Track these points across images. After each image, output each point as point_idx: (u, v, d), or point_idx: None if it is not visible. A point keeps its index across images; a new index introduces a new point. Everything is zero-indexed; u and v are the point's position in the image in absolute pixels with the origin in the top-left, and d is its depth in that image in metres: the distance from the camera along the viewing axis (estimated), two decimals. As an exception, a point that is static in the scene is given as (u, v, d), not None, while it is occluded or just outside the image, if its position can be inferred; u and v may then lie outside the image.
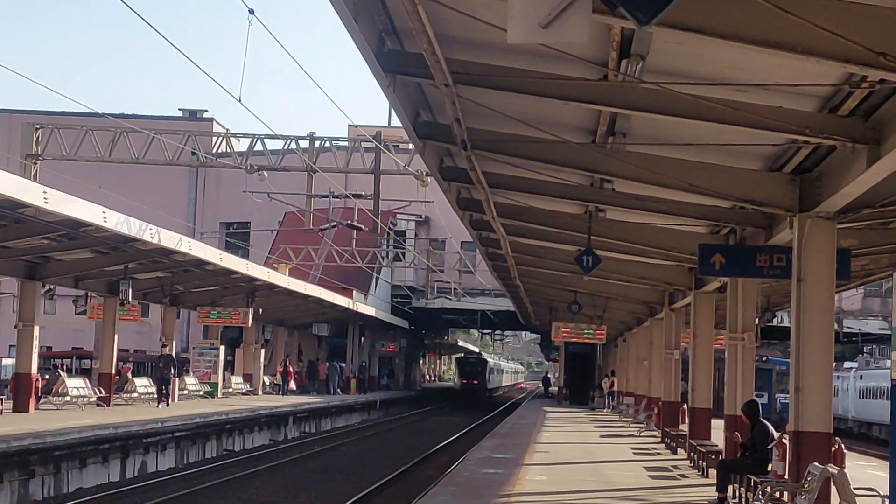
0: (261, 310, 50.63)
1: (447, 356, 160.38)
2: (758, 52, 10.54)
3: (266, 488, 28.19)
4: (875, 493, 15.03)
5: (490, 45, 13.35)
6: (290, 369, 61.58)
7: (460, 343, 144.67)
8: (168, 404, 40.97)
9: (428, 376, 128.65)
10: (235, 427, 38.83)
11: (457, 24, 12.71)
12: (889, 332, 13.34)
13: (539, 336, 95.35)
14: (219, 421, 37.06)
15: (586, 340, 52.97)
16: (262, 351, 59.34)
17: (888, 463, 13.55)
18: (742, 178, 17.93)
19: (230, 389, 53.09)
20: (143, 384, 45.28)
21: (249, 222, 76.42)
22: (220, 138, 52.97)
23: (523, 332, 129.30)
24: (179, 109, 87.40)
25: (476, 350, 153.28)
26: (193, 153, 48.34)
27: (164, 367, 41.92)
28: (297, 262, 59.02)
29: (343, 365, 68.30)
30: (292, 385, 60.54)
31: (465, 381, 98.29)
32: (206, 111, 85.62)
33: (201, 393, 48.87)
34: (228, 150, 51.36)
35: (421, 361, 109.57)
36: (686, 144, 17.01)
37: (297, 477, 30.89)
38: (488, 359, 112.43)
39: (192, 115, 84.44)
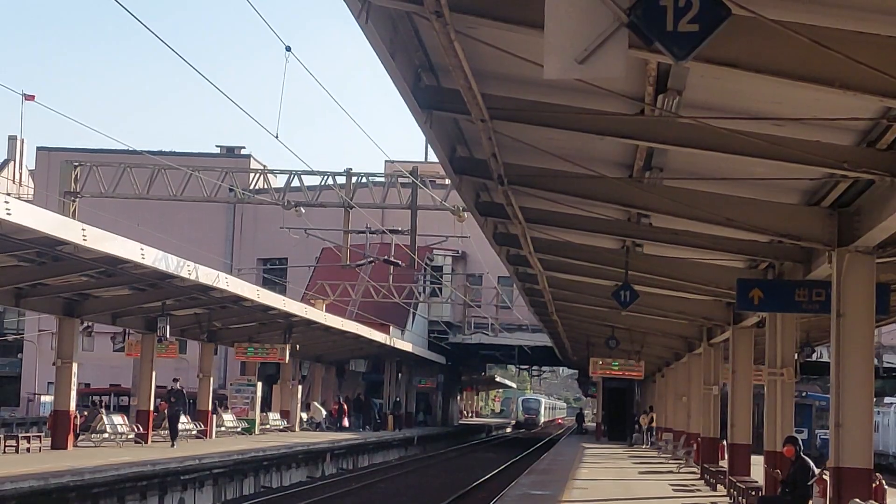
0: (298, 346, 50.68)
1: (485, 392, 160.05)
2: (795, 87, 10.52)
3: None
4: (917, 530, 14.89)
5: (526, 80, 13.38)
6: (345, 406, 61.84)
7: (497, 379, 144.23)
8: (175, 444, 38.41)
9: (465, 412, 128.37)
10: (273, 464, 38.80)
11: (493, 60, 12.75)
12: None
13: (577, 371, 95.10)
14: (256, 457, 37.06)
15: (624, 376, 52.78)
16: (300, 387, 59.40)
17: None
18: (780, 213, 17.85)
19: (267, 426, 53.11)
20: (182, 421, 45.32)
21: (286, 258, 76.67)
22: (258, 175, 53.23)
23: (560, 368, 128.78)
24: (217, 146, 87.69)
25: (513, 385, 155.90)
26: (231, 190, 48.59)
27: (175, 403, 39.73)
28: (335, 297, 59.12)
29: (381, 401, 68.33)
30: (346, 422, 60.85)
31: (527, 416, 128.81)
32: (244, 148, 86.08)
33: (239, 430, 48.93)
34: (265, 187, 51.63)
35: (458, 397, 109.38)
36: (723, 179, 16.98)
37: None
38: (542, 398, 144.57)
39: (230, 151, 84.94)
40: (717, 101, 13.52)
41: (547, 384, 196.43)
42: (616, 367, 49.61)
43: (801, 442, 19.54)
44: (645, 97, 12.99)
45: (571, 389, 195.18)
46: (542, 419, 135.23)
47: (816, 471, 18.44)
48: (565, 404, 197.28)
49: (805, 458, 18.91)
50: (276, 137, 27.18)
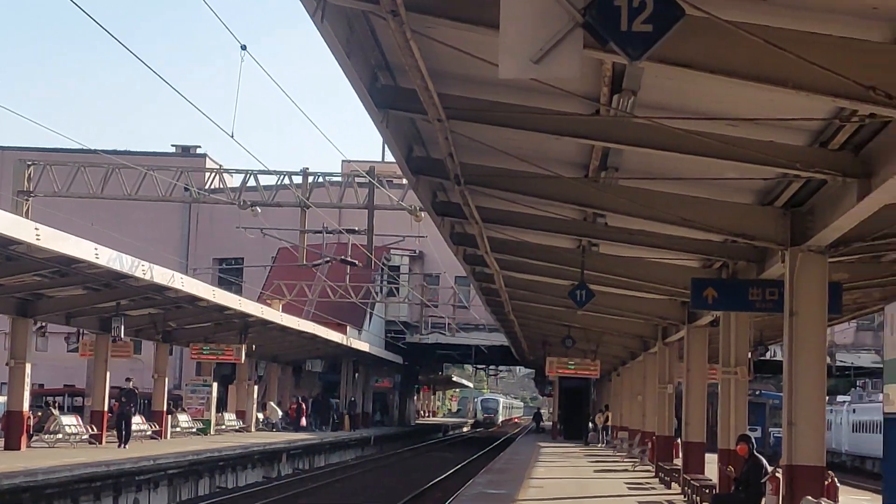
0: (254, 346, 50.54)
1: (441, 391, 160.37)
2: (749, 87, 10.60)
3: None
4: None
5: (483, 80, 13.41)
6: (303, 406, 61.80)
7: (454, 378, 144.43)
8: (125, 445, 37.84)
9: (422, 412, 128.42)
10: (228, 464, 38.67)
11: (449, 60, 12.77)
12: (881, 366, 13.37)
13: (533, 371, 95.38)
14: (211, 458, 36.91)
15: (580, 375, 52.95)
16: (256, 388, 59.23)
17: (881, 497, 13.56)
18: (734, 212, 17.99)
19: (223, 426, 52.93)
20: (136, 421, 45.10)
21: (243, 258, 76.42)
22: (213, 174, 53.01)
23: (517, 367, 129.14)
24: (172, 145, 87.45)
25: (470, 385, 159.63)
26: (186, 189, 48.41)
27: (126, 403, 39.05)
28: (291, 297, 58.99)
29: (338, 401, 68.29)
30: (304, 422, 60.83)
31: (486, 416, 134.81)
32: (199, 147, 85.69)
33: (194, 430, 48.73)
34: (221, 186, 51.41)
35: (415, 397, 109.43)
36: (678, 179, 17.07)
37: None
38: (500, 398, 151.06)
39: (185, 151, 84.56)
40: (671, 101, 13.60)
41: (504, 383, 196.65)
42: (572, 367, 49.77)
43: (753, 440, 19.67)
44: (600, 97, 13.05)
45: (528, 389, 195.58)
46: (501, 418, 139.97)
47: (769, 469, 18.57)
48: (522, 404, 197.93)
49: (758, 457, 19.05)
50: (232, 137, 27.15)
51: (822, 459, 16.71)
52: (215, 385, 51.85)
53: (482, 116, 14.60)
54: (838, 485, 18.00)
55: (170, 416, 46.73)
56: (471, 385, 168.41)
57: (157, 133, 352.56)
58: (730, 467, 20.74)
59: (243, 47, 22.73)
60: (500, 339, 64.90)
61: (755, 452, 19.13)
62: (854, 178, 13.73)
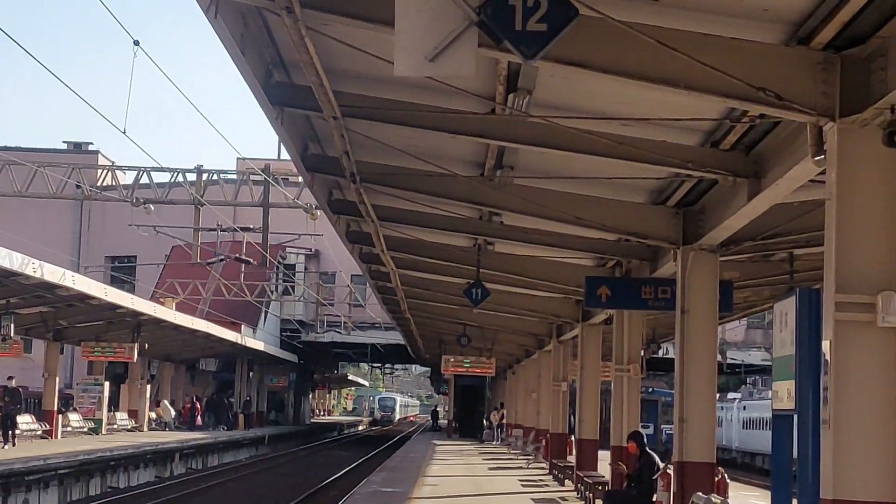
0: (147, 345, 49.97)
1: (337, 390, 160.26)
2: (642, 87, 10.71)
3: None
4: (758, 522, 15.28)
5: (379, 78, 13.39)
6: (198, 405, 61.30)
7: (350, 377, 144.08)
8: (14, 443, 37.31)
9: (317, 410, 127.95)
10: (120, 464, 38.21)
11: (345, 57, 12.74)
12: (770, 363, 13.58)
13: (429, 369, 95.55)
14: (103, 458, 36.45)
15: (476, 373, 53.14)
16: (148, 387, 58.58)
17: (769, 493, 13.77)
18: (627, 212, 18.17)
19: (115, 426, 52.27)
20: (26, 420, 44.38)
21: (135, 256, 75.46)
22: (106, 171, 52.42)
23: (413, 366, 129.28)
24: (64, 142, 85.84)
25: (366, 383, 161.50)
26: (78, 186, 47.75)
27: (10, 403, 38.22)
28: (185, 296, 58.39)
29: (232, 400, 67.84)
30: (199, 421, 60.45)
31: (383, 414, 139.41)
32: (91, 143, 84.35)
33: (85, 430, 48.05)
34: (114, 183, 50.82)
35: (310, 396, 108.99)
36: (573, 178, 17.20)
37: (184, 513, 30.49)
38: (397, 397, 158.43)
39: (77, 147, 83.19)
40: (566, 100, 13.69)
41: (400, 382, 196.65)
42: (468, 365, 49.94)
43: (644, 436, 19.85)
44: (496, 96, 13.10)
45: (424, 387, 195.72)
46: (398, 416, 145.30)
47: (661, 465, 18.79)
48: (418, 402, 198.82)
49: (650, 453, 19.23)
50: (124, 133, 26.75)
51: (713, 456, 16.96)
52: (107, 384, 51.14)
53: (378, 114, 14.58)
54: (728, 481, 18.28)
55: (60, 416, 46.00)
56: (367, 384, 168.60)
57: (47, 129, 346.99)
58: (621, 464, 20.93)
59: (136, 42, 22.42)
60: (396, 337, 64.86)
61: (647, 449, 19.32)
62: (744, 178, 13.94)
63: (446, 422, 79.28)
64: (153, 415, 58.40)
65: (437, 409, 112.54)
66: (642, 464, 18.98)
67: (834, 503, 9.94)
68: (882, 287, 9.98)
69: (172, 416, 60.11)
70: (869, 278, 10.02)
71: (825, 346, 10.22)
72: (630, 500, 19.06)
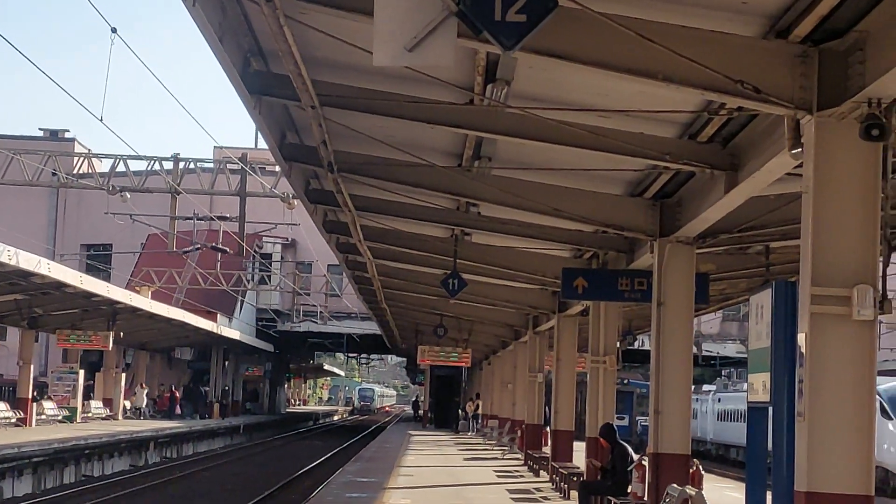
0: (122, 333, 49.86)
1: (313, 380, 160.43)
2: (620, 79, 10.72)
3: (126, 514, 27.70)
4: (732, 514, 15.34)
5: (357, 67, 13.36)
6: (177, 394, 61.32)
7: (326, 367, 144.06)
8: None
9: (293, 400, 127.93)
10: (95, 452, 38.12)
11: (324, 46, 12.70)
12: (746, 356, 13.63)
13: (405, 359, 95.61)
14: (77, 446, 36.35)
15: (452, 363, 53.14)
16: (123, 375, 58.44)
17: (744, 485, 13.82)
18: (605, 203, 18.19)
19: (90, 414, 52.14)
20: (0, 408, 44.26)
21: (111, 244, 75.25)
22: (82, 159, 52.16)
23: (389, 356, 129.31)
24: (40, 129, 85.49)
25: (342, 373, 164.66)
26: (54, 174, 47.54)
27: None
28: (161, 285, 58.24)
29: (207, 389, 67.78)
30: (178, 410, 60.56)
31: (363, 404, 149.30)
32: (68, 131, 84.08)
33: (60, 418, 47.92)
34: (90, 171, 50.61)
35: (286, 385, 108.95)
36: (550, 169, 17.20)
37: (158, 503, 30.42)
38: (376, 388, 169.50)
39: (53, 134, 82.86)
40: (545, 91, 13.69)
41: (376, 372, 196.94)
42: (444, 355, 49.92)
43: (615, 429, 19.85)
44: (474, 87, 13.09)
45: (400, 377, 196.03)
46: (376, 405, 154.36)
47: (635, 457, 18.84)
48: (395, 392, 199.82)
49: (622, 444, 19.28)
50: (101, 121, 26.63)
51: (688, 447, 17.01)
52: (82, 372, 51.04)
53: (356, 104, 14.55)
54: (703, 472, 18.30)
55: (35, 404, 45.87)
56: (342, 374, 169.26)
57: (23, 116, 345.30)
58: (594, 460, 20.96)
59: (114, 30, 22.34)
60: (372, 327, 64.84)
61: (619, 441, 19.36)
62: (722, 171, 13.97)
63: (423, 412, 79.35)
64: (128, 403, 58.30)
65: (419, 399, 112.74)
66: (615, 456, 19.04)
67: (808, 495, 9.98)
68: (857, 280, 10.02)
69: (144, 403, 59.98)
70: (844, 271, 10.06)
71: (800, 338, 10.26)
72: (605, 491, 19.12)
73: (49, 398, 49.44)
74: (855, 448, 10.00)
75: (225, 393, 69.54)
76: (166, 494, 32.62)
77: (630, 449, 19.27)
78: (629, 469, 18.54)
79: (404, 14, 7.54)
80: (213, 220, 48.96)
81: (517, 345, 41.92)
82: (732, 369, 70.60)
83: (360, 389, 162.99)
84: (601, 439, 19.81)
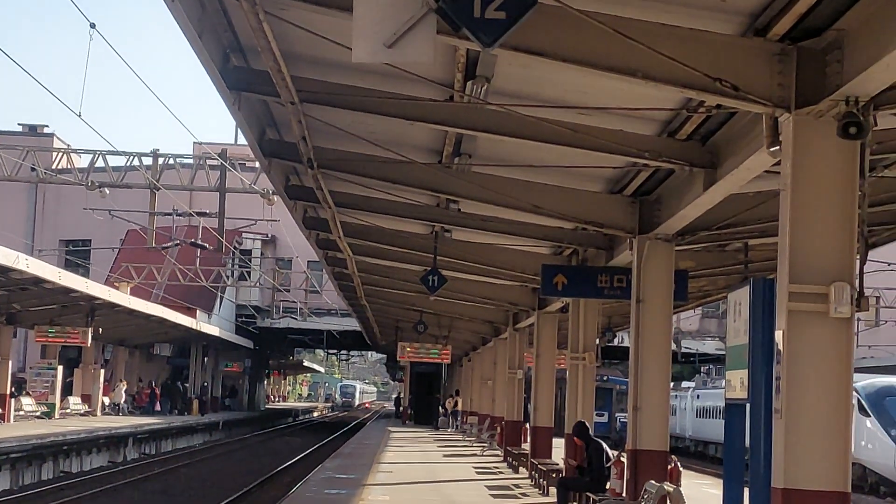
0: (101, 329, 49.69)
1: (292, 376, 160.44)
2: (599, 77, 10.74)
3: (104, 510, 27.64)
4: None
5: (337, 63, 13.36)
6: (157, 391, 61.22)
7: (306, 363, 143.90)
8: None
9: (272, 396, 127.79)
10: (73, 448, 38.00)
11: (303, 42, 12.70)
12: (724, 353, 13.69)
13: (385, 356, 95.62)
14: (56, 442, 36.24)
15: (432, 360, 53.19)
16: (102, 371, 58.27)
17: (722, 481, 13.87)
18: (584, 200, 18.23)
19: (68, 410, 51.97)
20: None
21: (90, 240, 74.99)
22: (61, 154, 51.97)
23: (369, 352, 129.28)
24: (19, 124, 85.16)
25: (321, 370, 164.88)
26: (33, 169, 47.31)
27: None
28: (140, 280, 58.09)
29: (186, 385, 67.69)
30: (158, 406, 60.55)
31: (344, 399, 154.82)
32: (47, 126, 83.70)
33: (38, 414, 47.75)
34: (69, 167, 50.37)
35: (265, 382, 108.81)
36: (530, 166, 17.23)
37: (136, 499, 30.37)
38: (357, 384, 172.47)
39: (32, 129, 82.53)
40: (524, 89, 13.71)
41: (356, 369, 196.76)
42: (424, 352, 49.94)
43: (587, 427, 19.82)
44: (454, 83, 13.10)
45: (380, 374, 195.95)
46: (357, 401, 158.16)
47: (611, 452, 18.90)
48: (375, 389, 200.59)
49: (597, 441, 19.29)
50: (80, 116, 26.56)
51: (666, 444, 17.07)
52: (60, 368, 50.85)
53: (336, 100, 14.55)
54: (681, 469, 18.39)
55: (13, 400, 45.70)
56: (322, 370, 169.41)
57: (2, 111, 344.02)
58: (571, 460, 20.99)
59: (92, 25, 22.30)
60: (352, 324, 64.80)
61: (592, 437, 19.37)
62: (700, 168, 14.02)
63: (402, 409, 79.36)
64: (107, 399, 58.14)
65: (401, 395, 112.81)
66: (590, 452, 19.04)
67: (784, 492, 10.02)
68: (835, 278, 10.06)
69: (123, 399, 59.84)
70: (822, 269, 10.10)
71: (778, 335, 10.30)
72: (583, 488, 19.14)
73: (27, 394, 49.26)
74: (832, 445, 10.05)
75: (204, 389, 69.38)
76: (145, 491, 32.54)
77: (605, 445, 19.29)
78: (607, 465, 18.57)
79: (384, 10, 7.54)
80: (192, 216, 48.82)
81: (497, 341, 41.95)
82: (711, 366, 70.62)
83: (341, 386, 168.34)
84: (575, 438, 19.81)
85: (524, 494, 25.02)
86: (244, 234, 71.53)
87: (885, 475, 35.83)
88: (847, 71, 9.62)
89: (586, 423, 20.06)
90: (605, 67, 10.41)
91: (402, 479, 27.62)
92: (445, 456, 37.73)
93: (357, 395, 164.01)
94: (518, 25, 7.44)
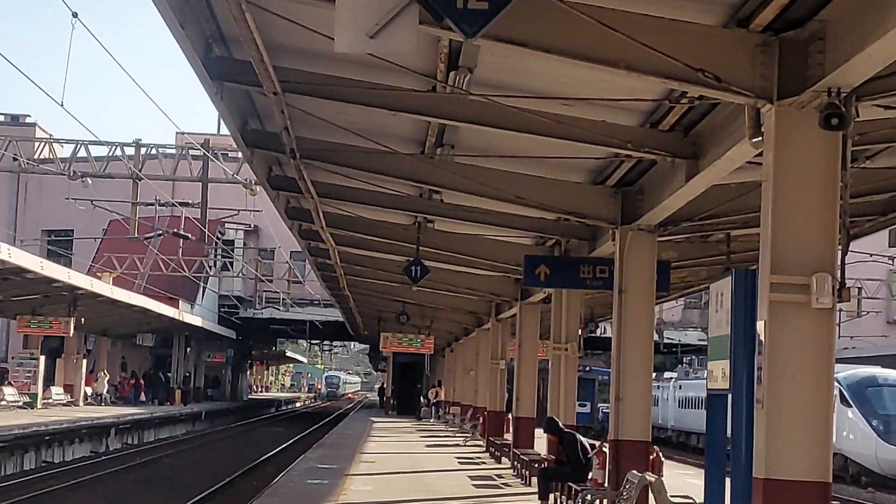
0: (83, 319, 49.58)
1: (275, 366, 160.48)
2: (582, 67, 10.74)
3: (86, 500, 27.62)
4: (691, 501, 15.39)
5: (320, 53, 13.33)
6: (142, 381, 61.22)
7: (288, 353, 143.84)
8: None
9: (255, 387, 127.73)
10: (55, 438, 37.94)
11: (286, 32, 12.67)
12: (707, 343, 13.71)
13: (368, 346, 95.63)
14: (38, 432, 36.17)
15: (414, 350, 53.23)
16: (84, 361, 58.16)
17: (704, 471, 13.90)
18: (567, 191, 18.24)
19: (50, 400, 51.87)
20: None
21: (73, 230, 74.80)
22: (43, 144, 51.77)
23: (352, 343, 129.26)
24: (1, 114, 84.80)
25: (304, 360, 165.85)
26: (15, 159, 47.15)
27: None
28: (122, 271, 57.97)
29: (169, 375, 67.63)
30: (142, 396, 60.60)
31: (329, 390, 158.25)
32: (29, 116, 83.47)
33: (20, 404, 47.65)
34: (51, 157, 50.21)
35: (248, 372, 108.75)
36: (513, 157, 17.23)
37: (119, 489, 30.32)
38: (341, 375, 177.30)
39: (14, 119, 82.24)
40: (507, 79, 13.70)
41: (338, 359, 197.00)
42: (406, 342, 49.96)
43: (557, 421, 19.78)
44: (437, 74, 13.09)
45: (362, 364, 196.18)
46: (342, 392, 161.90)
47: (586, 442, 18.94)
48: (359, 379, 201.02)
49: (570, 432, 19.27)
50: (62, 106, 26.51)
51: (648, 434, 17.09)
52: (43, 358, 50.74)
53: (318, 90, 14.52)
54: (663, 459, 18.46)
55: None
56: (305, 360, 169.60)
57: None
58: (551, 456, 21.00)
59: (74, 15, 22.24)
60: (334, 314, 64.77)
61: (565, 430, 19.37)
62: (683, 159, 14.04)
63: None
64: (89, 389, 58.05)
65: (384, 385, 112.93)
66: (565, 445, 19.03)
67: (766, 482, 10.05)
68: (816, 268, 10.08)
69: (105, 390, 59.75)
70: (804, 260, 10.12)
71: (760, 326, 10.32)
72: (565, 478, 19.16)
73: (9, 384, 49.15)
74: (813, 435, 10.08)
75: (186, 379, 69.33)
76: (127, 481, 32.50)
77: (578, 435, 19.28)
78: (588, 456, 18.60)
79: (366, 0, 7.52)
80: (175, 206, 48.75)
81: (479, 332, 41.96)
82: (694, 357, 70.84)
83: (326, 377, 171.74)
84: (547, 434, 19.76)
85: (506, 485, 25.06)
86: (227, 225, 71.46)
87: (867, 465, 35.97)
88: (829, 62, 9.63)
89: (555, 418, 20.07)
90: (587, 58, 10.41)
91: (384, 470, 27.63)
92: (428, 446, 37.75)
93: (342, 385, 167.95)
94: (500, 16, 7.44)
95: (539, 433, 27.97)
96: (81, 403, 54.78)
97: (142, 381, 63.91)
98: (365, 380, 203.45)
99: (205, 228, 44.93)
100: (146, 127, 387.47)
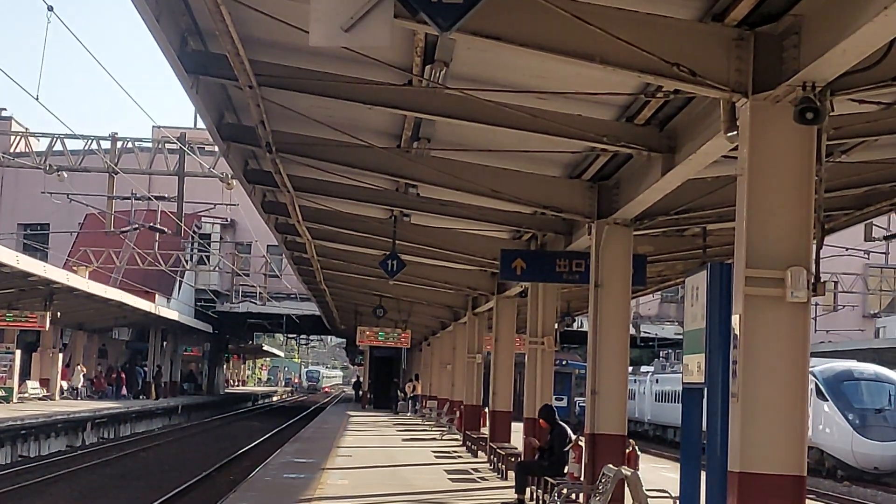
0: (59, 313, 49.39)
1: (251, 360, 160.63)
2: (558, 61, 10.74)
3: (62, 495, 27.52)
4: (667, 495, 15.42)
5: (295, 47, 13.31)
6: (123, 375, 61.05)
7: (265, 347, 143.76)
8: None
9: (232, 381, 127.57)
10: (31, 433, 37.81)
11: (261, 26, 12.64)
12: (683, 337, 13.73)
13: (345, 340, 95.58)
14: (13, 426, 36.03)
15: (391, 345, 53.22)
16: (61, 355, 57.96)
17: (679, 465, 13.93)
18: (543, 185, 18.24)
19: (26, 394, 51.68)
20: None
21: (48, 224, 74.49)
22: (19, 138, 51.54)
23: (329, 337, 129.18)
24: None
25: (281, 354, 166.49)
26: (-10, 152, 46.88)
27: None
28: (98, 264, 57.77)
29: (145, 369, 67.48)
30: (123, 390, 60.58)
31: (309, 384, 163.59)
32: (5, 109, 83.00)
33: (-5, 398, 47.48)
34: (27, 150, 50.01)
35: (225, 366, 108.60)
36: (489, 151, 17.23)
37: (95, 483, 30.23)
38: (321, 369, 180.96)
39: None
40: (483, 73, 13.69)
41: (315, 353, 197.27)
42: (383, 337, 49.95)
43: (555, 410, 19.94)
44: (413, 68, 13.08)
45: (339, 358, 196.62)
46: (322, 385, 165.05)
47: (573, 436, 18.95)
48: (340, 373, 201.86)
49: (562, 425, 19.38)
50: (37, 99, 26.36)
51: (624, 428, 17.12)
52: (18, 352, 50.54)
53: (294, 84, 14.50)
54: (639, 453, 18.44)
55: None
56: (282, 354, 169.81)
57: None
58: (533, 439, 21.05)
59: (50, 8, 22.15)
60: (311, 308, 64.73)
61: (559, 422, 19.45)
62: (659, 153, 14.06)
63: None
64: (65, 384, 57.86)
65: (360, 379, 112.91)
66: (554, 436, 19.12)
67: (741, 476, 10.08)
68: (791, 262, 10.11)
69: (82, 384, 59.57)
70: (778, 254, 10.15)
71: (735, 320, 10.34)
72: (542, 472, 19.20)
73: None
74: (788, 429, 10.11)
75: (158, 373, 69.18)
76: (103, 475, 32.41)
77: (569, 430, 19.36)
78: (566, 450, 18.63)
79: (341, -6, 7.51)
80: (151, 199, 48.52)
81: (456, 326, 41.98)
82: (670, 350, 71.02)
83: (307, 371, 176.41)
84: (540, 420, 19.87)
85: (483, 479, 25.07)
86: (203, 219, 71.25)
87: (843, 459, 36.14)
88: (804, 56, 9.65)
89: (553, 407, 20.13)
90: (562, 52, 10.40)
91: (360, 464, 27.63)
92: (404, 440, 37.75)
93: (322, 379, 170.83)
94: (475, 10, 7.43)
95: (516, 427, 28.04)
96: (57, 397, 54.60)
97: (123, 375, 63.71)
98: (344, 374, 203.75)
99: (181, 222, 44.75)
100: (122, 121, 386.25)
